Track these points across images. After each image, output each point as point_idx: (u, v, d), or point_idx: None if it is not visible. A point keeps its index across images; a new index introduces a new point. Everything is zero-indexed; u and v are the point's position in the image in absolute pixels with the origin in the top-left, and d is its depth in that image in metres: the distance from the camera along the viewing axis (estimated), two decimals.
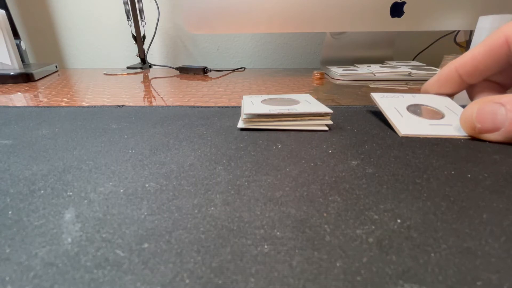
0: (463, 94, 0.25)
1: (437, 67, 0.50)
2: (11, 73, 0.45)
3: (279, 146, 0.18)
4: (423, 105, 0.23)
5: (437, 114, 0.22)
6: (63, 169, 0.15)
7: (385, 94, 0.25)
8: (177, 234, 0.10)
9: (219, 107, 0.28)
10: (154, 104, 0.31)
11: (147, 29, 0.66)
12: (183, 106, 0.28)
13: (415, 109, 0.22)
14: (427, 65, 0.51)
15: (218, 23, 0.46)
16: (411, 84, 0.41)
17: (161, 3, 0.68)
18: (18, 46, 0.53)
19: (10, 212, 0.11)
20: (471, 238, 0.10)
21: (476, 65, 0.21)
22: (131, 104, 0.30)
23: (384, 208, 0.11)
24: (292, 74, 0.55)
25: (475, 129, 0.18)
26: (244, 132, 0.20)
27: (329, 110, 0.21)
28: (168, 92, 0.37)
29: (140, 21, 0.62)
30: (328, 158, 0.16)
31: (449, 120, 0.21)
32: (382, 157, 0.16)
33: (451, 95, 0.25)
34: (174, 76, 0.53)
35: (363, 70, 0.47)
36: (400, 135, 0.20)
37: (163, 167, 0.15)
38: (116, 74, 0.55)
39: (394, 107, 0.23)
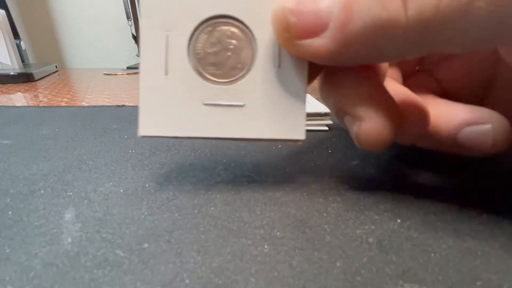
0: None
1: None
2: (11, 73, 0.45)
3: (279, 146, 0.18)
4: (230, 19, 0.10)
5: (236, 69, 0.11)
6: (63, 169, 0.15)
7: None
8: (177, 234, 0.10)
9: None
10: None
11: None
12: None
13: (205, 45, 0.11)
14: None
15: None
16: None
17: None
18: (18, 46, 0.53)
19: (10, 212, 0.11)
20: (471, 238, 0.10)
21: None
22: (131, 104, 0.30)
23: (384, 208, 0.11)
24: None
25: (290, 29, 0.10)
26: None
27: (329, 110, 0.21)
28: None
29: (140, 21, 0.62)
30: (328, 158, 0.16)
31: (249, 88, 0.11)
32: (382, 157, 0.16)
33: None
34: None
35: None
36: (138, 135, 0.11)
37: (163, 167, 0.15)
38: (116, 74, 0.55)
39: (161, 29, 0.10)
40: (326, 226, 0.10)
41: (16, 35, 0.54)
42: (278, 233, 0.10)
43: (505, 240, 0.10)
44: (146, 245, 0.09)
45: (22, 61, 0.54)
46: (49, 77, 0.51)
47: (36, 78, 0.47)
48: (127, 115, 0.25)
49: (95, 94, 0.36)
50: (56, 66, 0.60)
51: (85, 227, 0.10)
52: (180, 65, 0.11)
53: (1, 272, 0.08)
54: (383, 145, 0.10)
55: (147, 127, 0.11)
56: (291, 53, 0.11)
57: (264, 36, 0.10)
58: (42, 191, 0.13)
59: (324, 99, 0.13)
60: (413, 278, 0.08)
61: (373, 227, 0.10)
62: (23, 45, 0.56)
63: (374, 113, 0.10)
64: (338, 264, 0.09)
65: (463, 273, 0.08)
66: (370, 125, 0.10)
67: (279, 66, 0.11)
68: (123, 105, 0.29)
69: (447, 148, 0.13)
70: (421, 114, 0.12)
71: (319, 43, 0.09)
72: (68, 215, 0.11)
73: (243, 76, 0.11)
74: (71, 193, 0.12)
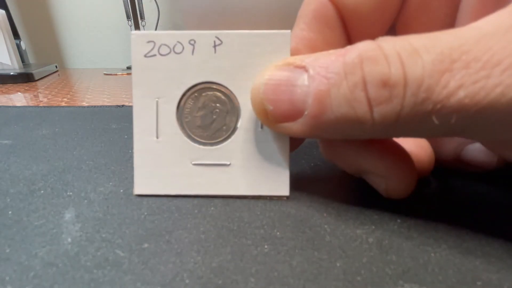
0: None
1: None
2: (11, 73, 0.45)
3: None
4: (214, 85, 0.11)
5: (221, 131, 0.11)
6: (63, 169, 0.15)
7: (154, 40, 0.11)
8: (177, 234, 0.10)
9: None
10: None
11: (147, 29, 0.66)
12: None
13: (192, 110, 0.11)
14: None
15: (218, 23, 0.46)
16: None
17: (161, 3, 0.68)
18: (18, 46, 0.53)
19: (10, 212, 0.11)
20: (471, 238, 0.10)
21: None
22: (131, 104, 0.30)
23: (384, 208, 0.11)
24: None
25: (268, 114, 0.10)
26: None
27: None
28: None
29: (140, 21, 0.62)
30: None
31: (234, 148, 0.11)
32: None
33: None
34: None
35: None
36: (133, 193, 0.12)
37: None
38: (116, 74, 0.55)
39: (151, 97, 0.11)
40: (326, 226, 0.10)
41: (16, 35, 0.54)
42: (278, 233, 0.10)
43: (505, 240, 0.10)
44: (146, 245, 0.09)
45: (22, 61, 0.54)
46: (49, 77, 0.51)
47: (36, 78, 0.47)
48: (127, 115, 0.25)
49: (95, 94, 0.36)
50: (56, 66, 0.60)
51: (85, 227, 0.10)
52: (169, 129, 0.11)
53: (1, 272, 0.08)
54: (410, 192, 0.11)
55: (141, 186, 0.12)
56: (272, 130, 0.11)
57: (247, 100, 0.11)
58: (42, 191, 0.13)
59: (330, 160, 0.13)
60: (413, 278, 0.08)
61: (373, 227, 0.10)
62: (23, 45, 0.56)
63: (398, 168, 0.11)
64: (338, 264, 0.09)
65: (463, 273, 0.08)
66: (396, 182, 0.11)
67: (261, 128, 0.11)
68: (123, 105, 0.29)
69: (451, 165, 0.13)
70: (427, 153, 0.13)
71: (296, 127, 0.10)
72: (68, 215, 0.11)
73: (228, 137, 0.11)
74: (71, 193, 0.12)
